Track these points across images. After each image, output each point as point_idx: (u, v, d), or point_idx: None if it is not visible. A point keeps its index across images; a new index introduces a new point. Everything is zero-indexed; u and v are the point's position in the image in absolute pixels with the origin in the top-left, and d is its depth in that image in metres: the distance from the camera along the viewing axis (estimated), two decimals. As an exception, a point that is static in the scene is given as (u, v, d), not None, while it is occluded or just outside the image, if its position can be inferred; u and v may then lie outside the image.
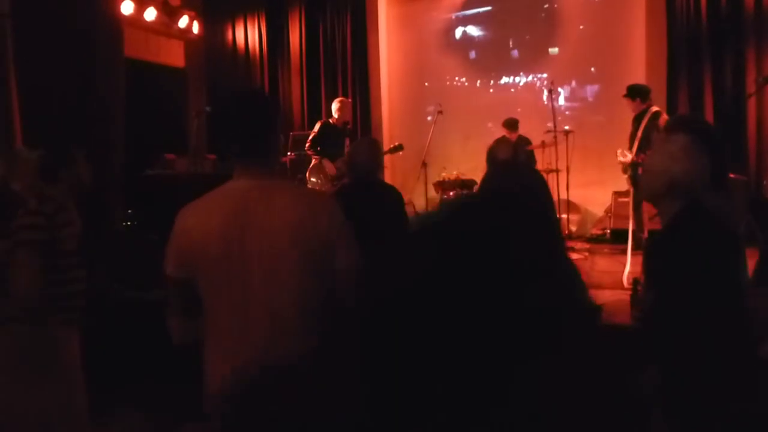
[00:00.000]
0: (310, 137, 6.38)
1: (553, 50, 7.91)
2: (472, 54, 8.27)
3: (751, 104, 6.23)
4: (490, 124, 7.51)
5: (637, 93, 5.60)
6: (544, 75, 7.84)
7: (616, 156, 5.61)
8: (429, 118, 7.43)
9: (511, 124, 6.95)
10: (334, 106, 6.46)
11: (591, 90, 7.72)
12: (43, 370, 2.60)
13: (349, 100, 7.05)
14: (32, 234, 2.54)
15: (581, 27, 7.75)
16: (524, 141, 6.98)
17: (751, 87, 6.28)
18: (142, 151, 6.54)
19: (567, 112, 7.73)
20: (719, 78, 6.53)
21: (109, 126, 5.39)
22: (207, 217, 1.78)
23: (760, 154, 6.29)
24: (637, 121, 5.56)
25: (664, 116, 5.45)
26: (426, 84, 8.52)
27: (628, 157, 5.48)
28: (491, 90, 8.22)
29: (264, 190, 1.77)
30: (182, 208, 1.84)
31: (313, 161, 6.39)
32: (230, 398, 1.73)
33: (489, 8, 8.13)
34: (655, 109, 5.51)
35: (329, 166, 6.20)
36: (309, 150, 6.36)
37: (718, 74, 6.54)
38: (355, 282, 1.78)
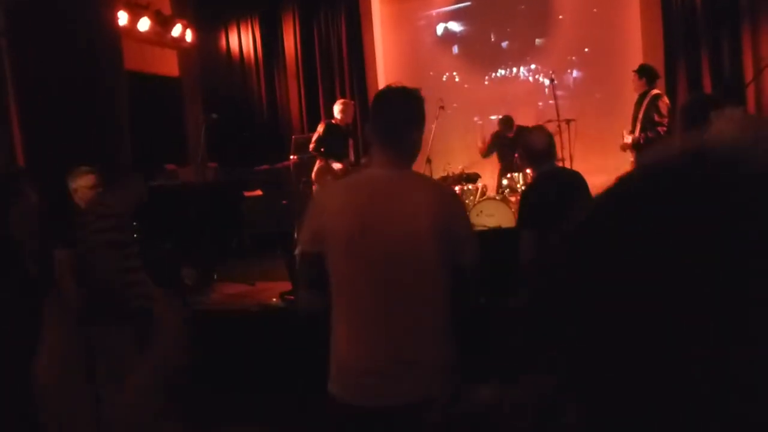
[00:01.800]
0: (315, 138, 6.34)
1: (539, 41, 7.96)
2: (468, 49, 8.29)
3: (750, 87, 6.30)
4: (491, 118, 7.51)
5: (645, 73, 5.62)
6: (542, 66, 7.87)
7: (622, 138, 5.66)
8: (434, 114, 7.42)
9: (505, 123, 6.96)
10: (337, 107, 6.45)
11: (589, 78, 7.75)
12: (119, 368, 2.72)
13: (352, 102, 7.03)
14: (112, 235, 2.66)
15: (578, 14, 7.79)
16: (522, 130, 7.00)
17: (748, 69, 6.36)
18: (142, 162, 6.51)
19: (566, 101, 7.77)
20: (717, 61, 6.60)
21: (116, 140, 5.35)
22: (344, 198, 1.90)
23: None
24: (638, 103, 5.61)
25: (665, 99, 5.51)
26: (423, 81, 8.52)
27: (629, 139, 5.53)
28: (489, 83, 8.24)
29: (403, 180, 1.86)
30: (320, 189, 1.98)
31: (318, 163, 6.35)
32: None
33: (481, 2, 8.14)
34: (656, 91, 5.56)
35: (337, 167, 6.16)
36: (314, 151, 6.33)
37: (715, 57, 6.61)
38: (477, 277, 1.90)
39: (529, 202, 3.17)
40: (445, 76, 8.42)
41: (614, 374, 0.53)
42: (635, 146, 5.49)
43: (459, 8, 8.22)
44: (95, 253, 2.84)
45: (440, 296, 1.87)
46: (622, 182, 0.61)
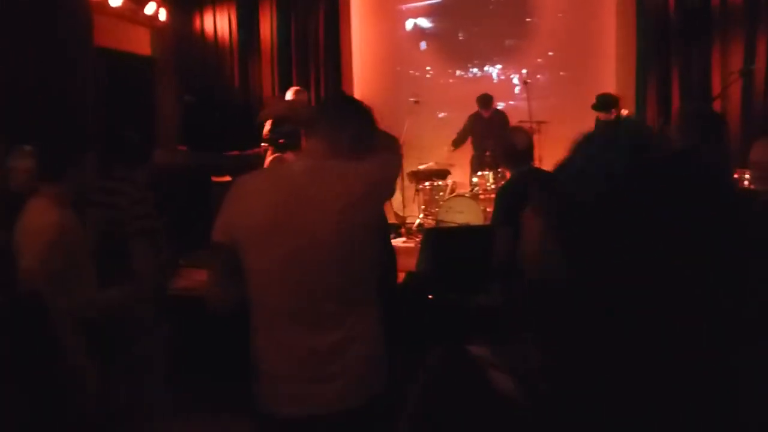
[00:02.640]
0: (269, 127, 6.22)
1: (510, 42, 8.07)
2: (443, 45, 8.33)
3: (717, 101, 6.49)
4: (464, 114, 7.56)
5: (600, 106, 5.74)
6: (515, 66, 7.97)
7: None
8: (407, 109, 7.44)
9: (485, 101, 7.05)
10: (289, 94, 6.31)
11: (560, 81, 7.86)
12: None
13: (305, 91, 6.96)
14: (147, 223, 2.91)
15: (557, 16, 7.91)
16: (500, 116, 7.08)
17: (716, 81, 6.55)
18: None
19: (536, 102, 7.88)
20: (686, 72, 6.78)
21: (87, 117, 5.23)
22: (259, 188, 1.85)
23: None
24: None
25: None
26: (399, 75, 8.54)
27: None
28: (462, 81, 8.30)
29: (321, 171, 1.81)
30: (240, 179, 1.92)
31: (270, 155, 6.23)
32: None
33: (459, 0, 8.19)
34: (624, 112, 5.67)
35: (290, 159, 6.06)
36: (266, 137, 6.22)
37: (685, 69, 6.79)
38: (393, 266, 1.91)
39: (506, 200, 3.22)
40: (419, 72, 8.45)
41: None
42: None
43: (436, 4, 8.26)
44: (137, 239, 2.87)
45: (364, 284, 1.83)
46: (609, 178, 0.63)
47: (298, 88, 6.59)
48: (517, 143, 3.35)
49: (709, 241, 0.56)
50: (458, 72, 8.35)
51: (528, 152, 3.36)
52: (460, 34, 8.28)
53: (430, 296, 4.26)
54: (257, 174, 1.97)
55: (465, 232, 5.39)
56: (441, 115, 8.15)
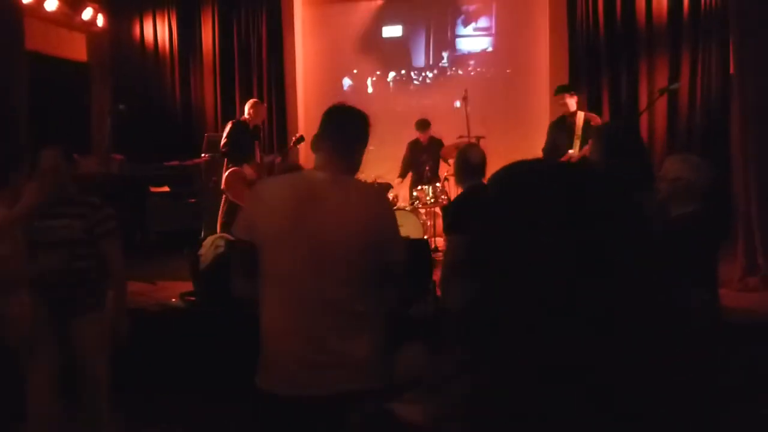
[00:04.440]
0: (225, 136, 6.18)
1: (448, 58, 8.22)
2: (386, 58, 8.42)
3: (643, 116, 6.79)
4: (405, 129, 7.64)
5: (565, 88, 5.85)
6: (456, 82, 8.12)
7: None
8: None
9: (422, 125, 7.16)
10: (248, 106, 6.34)
11: (496, 97, 8.03)
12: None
13: (264, 104, 6.94)
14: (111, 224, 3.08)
15: (490, 38, 8.12)
16: (436, 142, 7.20)
17: (643, 98, 6.84)
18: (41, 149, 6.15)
19: (475, 118, 8.05)
20: (615, 91, 7.07)
21: (10, 123, 5.04)
22: (282, 192, 2.04)
23: (652, 162, 6.85)
24: (567, 123, 5.78)
25: (598, 120, 5.75)
26: (342, 87, 8.57)
27: (571, 154, 5.72)
28: (406, 94, 8.39)
29: (340, 184, 2.02)
30: (260, 182, 2.20)
31: (228, 168, 6.16)
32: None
33: (405, 16, 8.31)
34: (584, 113, 5.79)
35: (249, 172, 6.03)
36: (224, 149, 6.16)
37: (614, 87, 7.08)
38: (403, 272, 2.08)
39: (458, 210, 3.30)
40: (361, 85, 8.51)
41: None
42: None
43: (380, 18, 8.34)
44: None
45: (369, 293, 2.01)
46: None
47: (255, 100, 6.55)
48: (470, 158, 3.44)
49: (595, 252, 0.59)
50: (403, 86, 8.43)
51: (481, 167, 3.45)
52: (409, 48, 8.40)
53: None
54: (279, 179, 2.21)
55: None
56: (404, 129, 8.21)
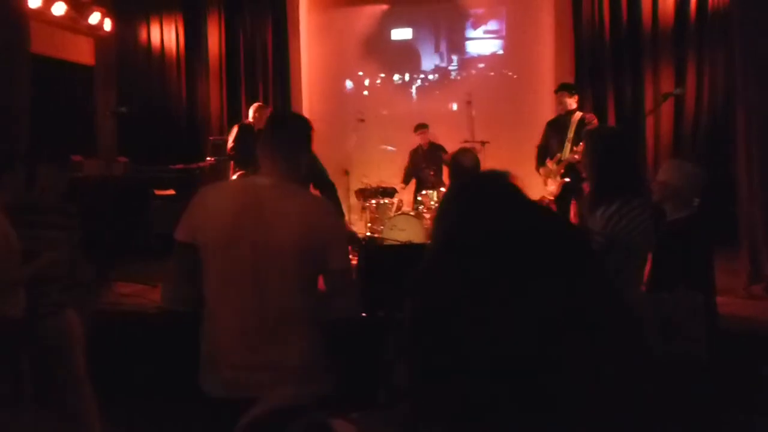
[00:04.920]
0: (231, 141, 6.22)
1: (454, 63, 8.20)
2: (391, 63, 8.42)
3: (649, 120, 6.73)
4: (411, 132, 7.63)
5: (577, 91, 5.86)
6: (461, 86, 8.10)
7: (542, 170, 5.87)
8: (353, 126, 7.48)
9: (420, 127, 7.17)
10: (251, 110, 6.38)
11: (501, 101, 8.00)
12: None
13: (269, 107, 6.96)
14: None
15: (495, 41, 8.10)
16: (437, 147, 7.18)
17: (649, 103, 6.79)
18: (47, 151, 6.19)
19: (478, 122, 8.01)
20: (620, 94, 7.02)
21: (12, 125, 5.07)
22: (224, 197, 2.04)
23: (657, 166, 6.78)
24: (562, 123, 5.77)
25: (595, 122, 5.69)
26: (347, 91, 8.58)
27: (559, 158, 5.68)
28: (411, 99, 8.39)
29: (281, 190, 2.01)
30: (206, 187, 2.12)
31: (235, 172, 6.20)
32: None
33: (411, 20, 8.31)
34: (581, 113, 5.77)
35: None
36: (231, 152, 6.20)
37: (619, 91, 7.03)
38: (347, 281, 2.06)
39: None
40: (366, 89, 8.51)
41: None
42: (569, 166, 5.65)
43: (385, 22, 8.34)
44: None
45: (307, 300, 1.99)
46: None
47: (259, 104, 6.59)
48: (463, 161, 3.44)
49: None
50: (407, 91, 8.43)
51: (474, 171, 3.43)
52: (414, 53, 8.40)
53: (363, 314, 4.25)
54: (223, 184, 2.17)
55: (405, 249, 5.39)
56: (407, 133, 8.24)
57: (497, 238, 0.57)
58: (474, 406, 0.53)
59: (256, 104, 6.54)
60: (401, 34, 8.35)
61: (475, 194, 0.63)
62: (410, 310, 0.61)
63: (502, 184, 0.62)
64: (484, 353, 0.53)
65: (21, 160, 3.05)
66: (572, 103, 5.76)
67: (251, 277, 1.94)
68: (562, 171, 5.76)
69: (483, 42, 8.21)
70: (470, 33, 8.24)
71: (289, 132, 2.14)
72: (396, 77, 8.45)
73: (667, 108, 6.71)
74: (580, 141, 5.51)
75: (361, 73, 8.49)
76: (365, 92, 8.50)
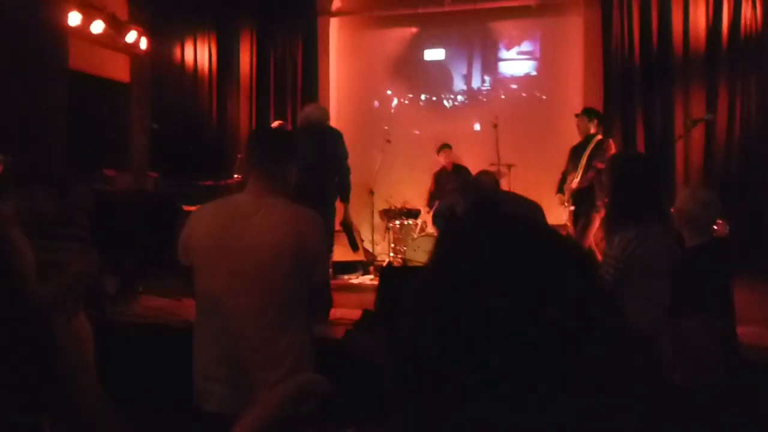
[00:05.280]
0: None
1: (481, 84, 8.20)
2: (419, 85, 8.47)
3: (679, 145, 6.64)
4: (435, 154, 7.65)
5: (596, 115, 5.79)
6: (488, 109, 8.10)
7: (557, 196, 5.84)
8: (380, 147, 7.52)
9: (443, 147, 7.16)
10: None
11: (530, 125, 7.97)
12: None
13: (287, 125, 7.05)
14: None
15: (523, 64, 8.11)
16: (461, 169, 7.16)
17: (679, 128, 6.70)
18: (81, 165, 6.35)
19: (505, 145, 7.99)
20: (650, 119, 6.95)
21: (48, 139, 5.22)
22: (207, 217, 2.10)
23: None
24: (582, 147, 5.72)
25: (611, 144, 5.63)
26: (374, 111, 8.64)
27: (575, 183, 5.63)
28: (438, 120, 8.41)
29: (265, 206, 2.04)
30: (197, 208, 2.18)
31: None
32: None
33: (441, 43, 8.36)
34: (600, 137, 5.72)
35: None
36: None
37: (649, 115, 6.96)
38: (324, 292, 2.17)
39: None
40: (393, 110, 8.56)
41: None
42: (578, 191, 5.61)
43: (414, 44, 8.41)
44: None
45: (292, 314, 2.02)
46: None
47: (281, 122, 6.66)
48: (482, 183, 3.44)
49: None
50: (435, 112, 8.44)
51: (493, 192, 3.42)
52: (442, 75, 8.44)
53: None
54: (210, 203, 2.20)
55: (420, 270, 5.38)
56: (434, 154, 8.26)
57: (491, 261, 0.57)
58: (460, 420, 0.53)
59: (276, 122, 6.62)
60: (431, 55, 8.40)
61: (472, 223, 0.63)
62: (403, 327, 0.61)
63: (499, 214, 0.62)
64: (473, 373, 0.53)
65: (55, 172, 3.11)
66: (592, 127, 5.70)
67: (231, 293, 1.98)
68: (569, 198, 5.74)
69: (512, 65, 8.21)
70: (501, 55, 8.25)
71: (270, 147, 2.16)
72: (423, 98, 8.49)
73: (697, 133, 6.62)
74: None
75: (389, 92, 8.55)
76: (393, 113, 8.55)
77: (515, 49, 8.15)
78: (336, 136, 4.98)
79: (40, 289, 2.89)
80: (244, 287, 1.97)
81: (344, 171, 5.03)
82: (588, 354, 0.52)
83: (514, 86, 8.17)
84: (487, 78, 8.31)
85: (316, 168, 4.48)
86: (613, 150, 5.55)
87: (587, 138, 5.72)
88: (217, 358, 2.00)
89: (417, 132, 8.39)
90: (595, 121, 5.73)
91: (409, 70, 8.45)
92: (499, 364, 0.51)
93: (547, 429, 0.50)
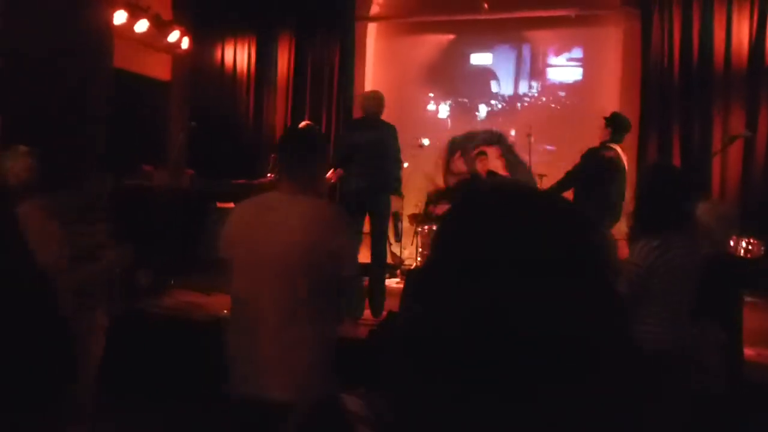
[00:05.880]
0: None
1: (516, 94, 8.16)
2: (453, 91, 8.48)
3: (716, 161, 6.52)
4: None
5: (612, 122, 5.28)
6: (522, 118, 8.06)
7: None
8: (411, 151, 7.55)
9: (480, 156, 7.14)
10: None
11: (564, 136, 7.91)
12: None
13: (315, 126, 7.13)
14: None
15: (560, 74, 8.05)
16: (495, 176, 7.14)
17: (716, 144, 6.59)
18: (120, 160, 6.52)
19: (540, 157, 7.94)
20: (687, 133, 6.84)
21: (91, 135, 5.38)
22: (242, 214, 2.27)
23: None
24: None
25: (605, 153, 5.16)
26: (408, 117, 8.66)
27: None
28: (472, 127, 8.39)
29: (292, 202, 2.16)
30: (236, 205, 2.39)
31: None
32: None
33: (477, 50, 8.36)
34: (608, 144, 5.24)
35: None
36: None
37: (686, 130, 6.85)
38: (354, 285, 2.11)
39: None
40: (428, 115, 8.58)
41: None
42: None
43: (451, 51, 8.42)
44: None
45: (314, 306, 2.12)
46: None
47: (308, 122, 6.75)
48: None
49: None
50: (468, 120, 8.44)
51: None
52: (476, 85, 8.44)
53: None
54: (246, 201, 2.36)
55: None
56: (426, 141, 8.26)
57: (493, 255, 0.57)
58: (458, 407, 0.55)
59: (304, 122, 6.71)
60: (470, 61, 8.39)
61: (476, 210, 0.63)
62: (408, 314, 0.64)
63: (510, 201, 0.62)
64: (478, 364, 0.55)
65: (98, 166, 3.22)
66: (605, 135, 5.32)
67: (261, 286, 2.11)
68: None
69: (549, 74, 8.16)
70: (538, 65, 8.21)
71: (299, 146, 2.28)
72: (458, 104, 8.49)
73: (735, 151, 6.49)
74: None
75: (431, 95, 8.56)
76: (427, 118, 8.57)
77: (553, 59, 8.10)
78: (392, 130, 5.30)
79: (69, 277, 2.99)
80: (268, 280, 2.08)
81: (398, 164, 5.32)
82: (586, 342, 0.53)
83: (549, 96, 8.12)
84: (523, 87, 8.28)
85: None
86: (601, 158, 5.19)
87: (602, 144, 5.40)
88: (246, 347, 2.13)
89: (448, 139, 8.40)
90: (609, 130, 5.26)
91: (444, 76, 8.46)
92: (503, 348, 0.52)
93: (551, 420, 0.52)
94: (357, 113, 8.43)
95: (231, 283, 2.22)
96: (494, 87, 8.37)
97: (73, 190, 2.97)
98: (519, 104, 8.27)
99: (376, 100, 5.61)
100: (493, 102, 8.40)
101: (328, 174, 6.55)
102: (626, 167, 5.28)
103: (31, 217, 2.75)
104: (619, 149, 5.27)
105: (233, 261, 2.19)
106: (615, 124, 5.29)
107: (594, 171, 5.10)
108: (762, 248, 4.74)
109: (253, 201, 2.30)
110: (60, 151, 3.39)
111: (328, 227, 2.16)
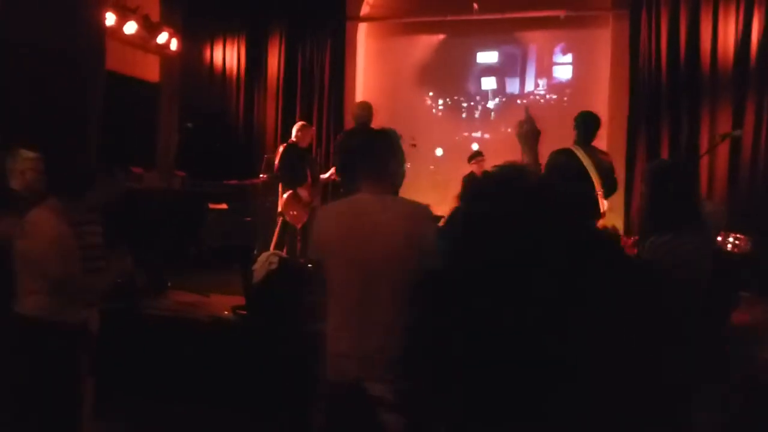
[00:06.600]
0: (279, 160, 6.40)
1: (507, 94, 8.26)
2: (445, 91, 8.53)
3: (704, 160, 6.65)
4: (460, 159, 7.70)
5: (577, 124, 4.98)
6: (513, 118, 8.13)
7: None
8: (405, 148, 7.57)
9: (474, 156, 7.20)
10: (295, 129, 6.56)
11: (552, 135, 7.99)
12: None
13: (312, 127, 7.16)
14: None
15: (550, 75, 8.15)
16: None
17: (704, 143, 6.72)
18: (110, 162, 6.46)
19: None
20: (676, 133, 6.97)
21: (85, 138, 5.35)
22: (334, 216, 2.38)
23: (710, 207, 6.69)
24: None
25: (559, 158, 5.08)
26: (400, 117, 8.69)
27: None
28: (463, 126, 8.46)
29: (381, 202, 2.28)
30: (320, 210, 2.54)
31: (284, 192, 6.38)
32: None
33: (466, 51, 8.42)
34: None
35: (304, 194, 6.28)
36: (278, 173, 6.40)
37: (675, 130, 6.98)
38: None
39: None
40: (420, 115, 8.62)
41: None
42: None
43: (441, 52, 8.47)
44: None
45: (409, 300, 2.17)
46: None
47: (303, 123, 6.77)
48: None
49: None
50: (460, 120, 8.50)
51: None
52: (467, 85, 8.50)
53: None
54: (335, 204, 2.52)
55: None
56: (439, 152, 8.33)
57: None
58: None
59: (299, 123, 6.73)
60: (459, 62, 8.45)
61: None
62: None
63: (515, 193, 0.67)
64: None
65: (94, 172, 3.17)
66: (577, 135, 5.08)
67: (359, 285, 2.22)
68: None
69: (539, 75, 8.25)
70: (527, 65, 8.28)
71: (375, 149, 2.40)
72: (449, 104, 8.55)
73: (723, 150, 6.63)
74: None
75: (422, 95, 8.60)
76: (418, 118, 8.62)
77: (542, 60, 8.20)
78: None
79: (89, 280, 2.99)
80: (371, 277, 2.19)
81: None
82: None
83: (539, 97, 8.21)
84: (513, 88, 8.35)
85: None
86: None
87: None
88: (345, 339, 2.25)
89: (439, 138, 8.45)
90: (576, 131, 4.93)
91: (435, 76, 8.51)
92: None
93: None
94: (347, 116, 8.47)
95: (329, 281, 2.31)
96: (484, 87, 8.45)
97: (86, 192, 2.95)
98: (509, 105, 8.35)
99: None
100: (483, 102, 8.47)
101: (330, 172, 6.60)
102: (595, 165, 5.15)
103: (46, 222, 2.75)
104: (578, 151, 5.14)
105: (332, 261, 2.28)
106: (576, 124, 5.01)
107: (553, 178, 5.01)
108: (749, 244, 4.84)
109: (345, 203, 2.41)
110: (60, 153, 3.37)
111: (425, 225, 2.25)
